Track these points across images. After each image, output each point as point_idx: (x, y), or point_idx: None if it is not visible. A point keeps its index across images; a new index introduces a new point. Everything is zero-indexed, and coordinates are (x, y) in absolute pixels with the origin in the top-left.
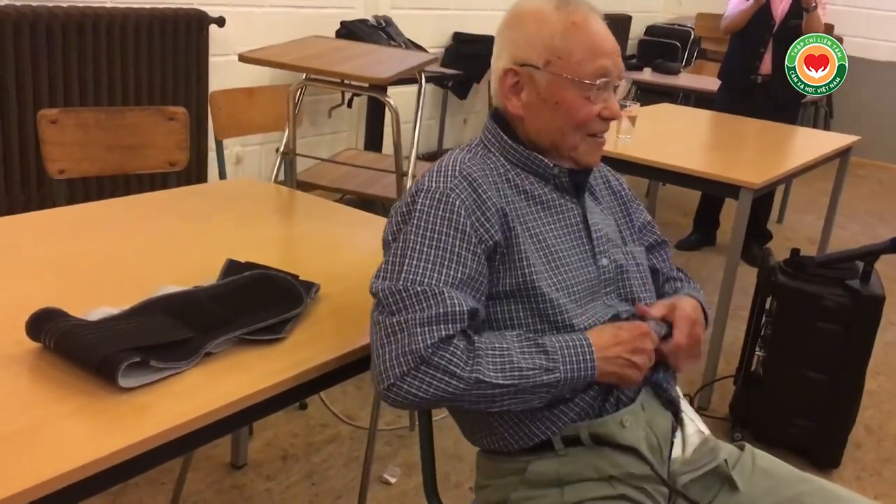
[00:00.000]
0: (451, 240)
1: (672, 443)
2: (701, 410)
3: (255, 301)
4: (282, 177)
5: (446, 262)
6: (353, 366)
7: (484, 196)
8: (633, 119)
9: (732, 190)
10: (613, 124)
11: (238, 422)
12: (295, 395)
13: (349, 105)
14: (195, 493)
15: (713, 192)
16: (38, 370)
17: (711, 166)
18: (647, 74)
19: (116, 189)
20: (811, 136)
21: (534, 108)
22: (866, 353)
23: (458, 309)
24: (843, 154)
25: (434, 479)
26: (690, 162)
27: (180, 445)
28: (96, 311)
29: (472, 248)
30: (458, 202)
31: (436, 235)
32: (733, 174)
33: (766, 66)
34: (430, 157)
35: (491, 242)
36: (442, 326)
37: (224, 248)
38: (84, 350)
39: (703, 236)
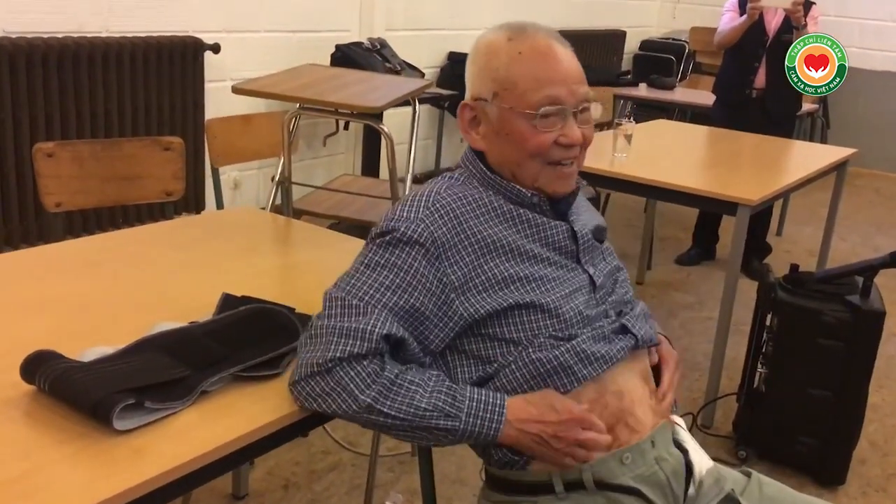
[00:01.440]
0: (408, 269)
1: (687, 481)
2: (704, 428)
3: (252, 336)
4: (278, 202)
5: (393, 287)
6: None
7: (460, 228)
8: (628, 137)
9: (730, 207)
10: (608, 142)
11: (236, 461)
12: (293, 431)
13: (346, 128)
14: None
15: (710, 210)
16: (34, 414)
17: (708, 183)
18: (642, 90)
19: (114, 219)
20: (808, 149)
21: (491, 141)
22: (868, 368)
23: (373, 329)
24: (840, 166)
25: None
26: (687, 179)
27: (177, 487)
28: (91, 351)
29: (428, 285)
30: (425, 234)
31: (396, 261)
32: (730, 191)
33: (760, 80)
34: (427, 177)
35: (459, 278)
36: (356, 343)
37: (220, 280)
38: (78, 393)
39: (703, 251)
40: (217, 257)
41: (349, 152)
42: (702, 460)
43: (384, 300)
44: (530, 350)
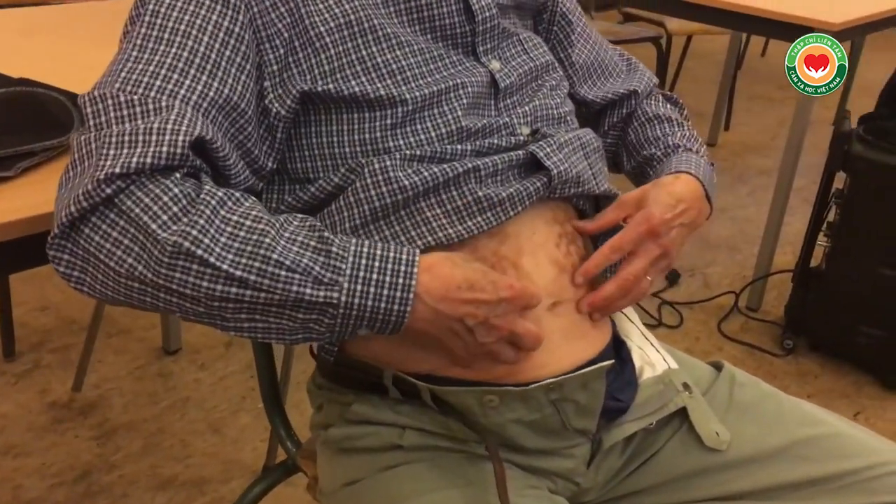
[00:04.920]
0: (206, 36)
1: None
2: (749, 311)
3: None
4: None
5: (192, 67)
6: None
7: None
8: None
9: (801, 33)
10: None
11: None
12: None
13: None
14: (112, 378)
15: (775, 37)
16: None
17: (773, 2)
18: None
19: None
20: None
21: None
22: None
23: (175, 127)
24: None
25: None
26: None
27: None
28: None
29: (241, 62)
30: None
31: (188, 28)
32: (800, 10)
33: None
34: None
35: (278, 59)
36: (150, 149)
37: (40, 70)
38: None
39: None
40: (70, 47)
41: None
42: (654, 363)
43: (182, 91)
44: (367, 173)
